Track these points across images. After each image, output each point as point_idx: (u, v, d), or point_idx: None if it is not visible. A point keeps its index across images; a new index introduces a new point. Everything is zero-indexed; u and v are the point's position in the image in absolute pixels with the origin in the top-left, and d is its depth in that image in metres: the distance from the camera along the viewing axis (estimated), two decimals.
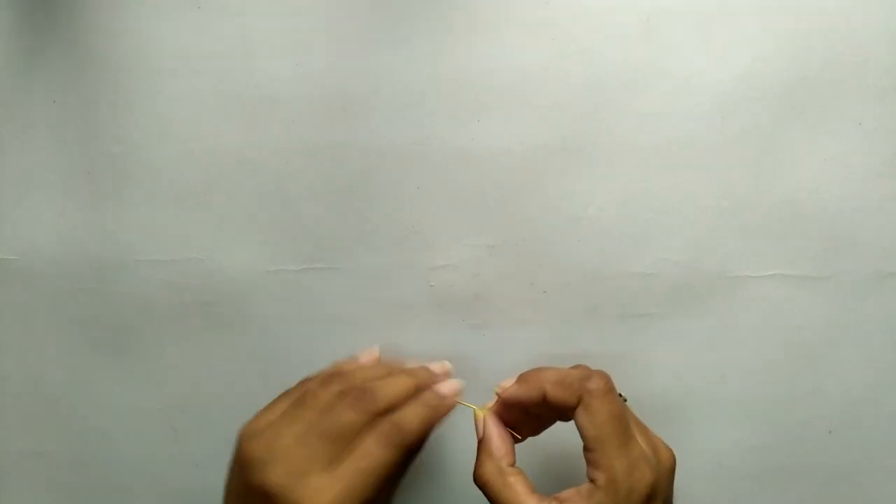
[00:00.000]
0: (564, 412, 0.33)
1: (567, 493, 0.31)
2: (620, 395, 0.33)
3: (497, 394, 0.34)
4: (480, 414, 0.34)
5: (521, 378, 0.34)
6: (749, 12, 0.37)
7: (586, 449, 0.32)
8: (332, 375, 0.34)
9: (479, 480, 0.33)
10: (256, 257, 0.41)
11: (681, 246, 0.40)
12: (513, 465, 0.33)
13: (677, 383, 0.42)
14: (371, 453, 0.30)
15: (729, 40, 0.37)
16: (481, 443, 0.34)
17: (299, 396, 0.33)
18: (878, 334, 0.40)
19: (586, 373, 0.33)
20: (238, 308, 0.42)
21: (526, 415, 0.34)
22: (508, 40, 0.38)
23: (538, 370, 0.34)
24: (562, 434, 0.34)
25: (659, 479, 0.31)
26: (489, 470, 0.33)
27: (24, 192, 0.41)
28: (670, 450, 0.33)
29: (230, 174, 0.40)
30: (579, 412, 0.32)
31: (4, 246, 0.42)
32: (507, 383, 0.34)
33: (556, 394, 0.32)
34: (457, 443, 0.43)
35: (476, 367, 0.42)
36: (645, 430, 0.33)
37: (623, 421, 0.32)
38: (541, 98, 0.38)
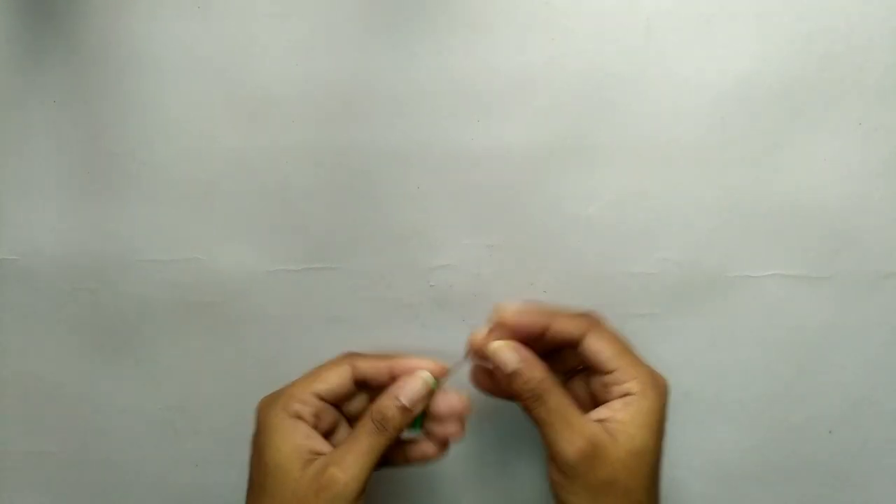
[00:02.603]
0: (563, 345, 0.35)
1: (607, 411, 0.33)
2: None
3: (497, 317, 0.34)
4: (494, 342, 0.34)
5: (522, 309, 0.34)
6: (749, 13, 0.37)
7: (604, 372, 0.34)
8: None
9: (528, 387, 0.33)
10: (256, 257, 0.41)
11: (681, 246, 0.40)
12: None
13: (677, 383, 0.42)
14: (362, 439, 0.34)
15: (729, 40, 0.37)
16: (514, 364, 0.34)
17: None
18: (878, 334, 0.40)
19: (581, 310, 0.35)
20: (238, 308, 0.42)
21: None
22: (508, 40, 0.38)
23: (536, 305, 0.35)
24: None
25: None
26: (538, 376, 0.33)
27: (24, 192, 0.41)
28: None
29: (230, 174, 0.40)
30: (592, 339, 0.34)
31: (4, 246, 0.42)
32: (505, 310, 0.34)
33: (563, 325, 0.34)
34: None
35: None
36: None
37: (628, 342, 0.35)
38: (541, 98, 0.38)
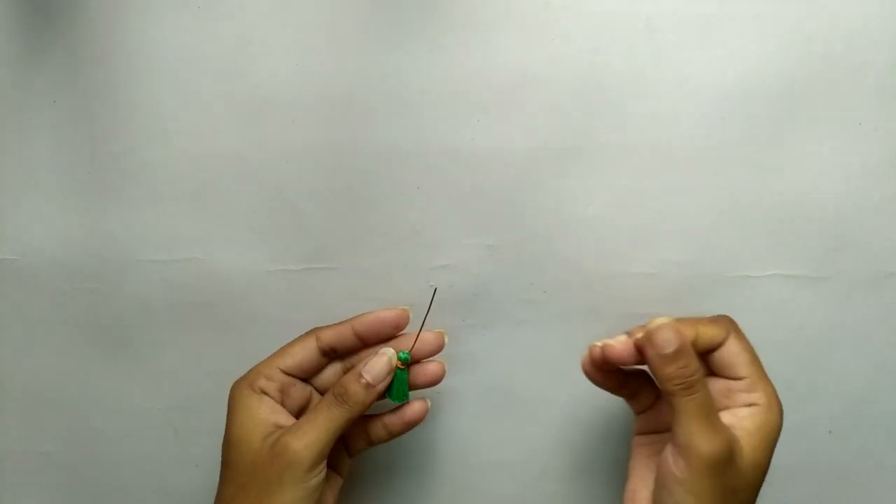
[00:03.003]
0: (703, 351, 0.34)
1: (731, 417, 0.33)
2: None
3: (646, 338, 0.32)
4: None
5: (667, 325, 0.33)
6: (749, 13, 0.37)
7: (734, 378, 0.34)
8: None
9: (684, 372, 0.32)
10: (256, 257, 0.41)
11: (681, 246, 0.40)
12: None
13: None
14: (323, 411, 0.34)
15: (729, 41, 0.37)
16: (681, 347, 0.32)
17: None
18: (878, 334, 0.40)
19: (718, 315, 0.35)
20: (238, 308, 0.42)
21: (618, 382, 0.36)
22: (508, 40, 0.38)
23: (671, 320, 0.33)
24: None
25: None
26: (695, 364, 0.32)
27: (24, 192, 0.41)
28: None
29: (230, 174, 0.40)
30: (732, 343, 0.34)
31: (4, 246, 0.42)
32: (614, 342, 0.34)
33: (710, 330, 0.34)
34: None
35: (476, 367, 0.42)
36: None
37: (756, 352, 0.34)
38: (541, 98, 0.38)
